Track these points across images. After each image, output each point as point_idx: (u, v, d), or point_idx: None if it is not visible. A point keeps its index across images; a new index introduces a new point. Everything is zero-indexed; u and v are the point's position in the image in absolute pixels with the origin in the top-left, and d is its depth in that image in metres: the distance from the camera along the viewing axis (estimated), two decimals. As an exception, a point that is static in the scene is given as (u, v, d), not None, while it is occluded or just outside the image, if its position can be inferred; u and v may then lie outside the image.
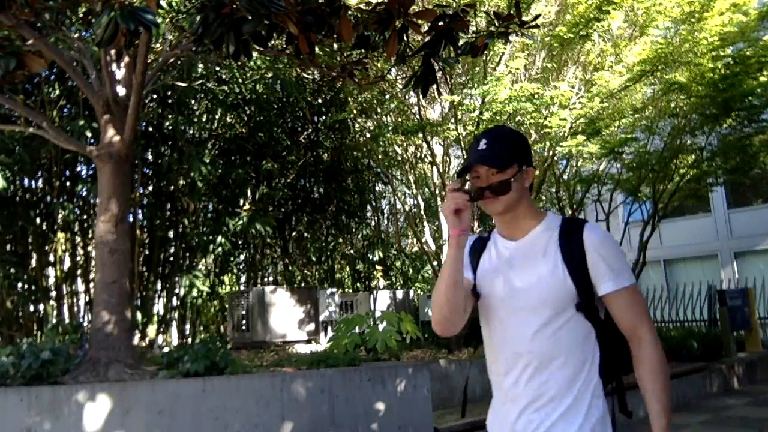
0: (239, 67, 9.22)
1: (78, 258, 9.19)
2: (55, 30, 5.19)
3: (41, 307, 8.92)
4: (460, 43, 4.41)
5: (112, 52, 5.29)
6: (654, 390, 1.62)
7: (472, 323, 1.72)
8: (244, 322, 8.75)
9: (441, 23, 4.20)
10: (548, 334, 1.55)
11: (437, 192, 9.90)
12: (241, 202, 10.05)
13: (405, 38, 4.30)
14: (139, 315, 8.88)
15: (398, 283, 12.77)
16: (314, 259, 12.61)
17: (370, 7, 4.30)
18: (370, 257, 11.97)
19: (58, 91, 8.47)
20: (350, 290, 12.06)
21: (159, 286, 9.69)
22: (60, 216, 8.45)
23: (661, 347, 1.58)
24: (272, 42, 5.21)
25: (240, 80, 9.71)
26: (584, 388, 1.56)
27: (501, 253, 1.68)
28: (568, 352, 1.55)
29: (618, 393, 1.71)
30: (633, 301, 1.57)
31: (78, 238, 9.12)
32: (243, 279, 12.18)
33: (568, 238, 1.59)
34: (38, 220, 8.84)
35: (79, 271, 9.15)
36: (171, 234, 9.77)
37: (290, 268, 12.04)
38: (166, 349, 7.54)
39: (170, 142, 9.12)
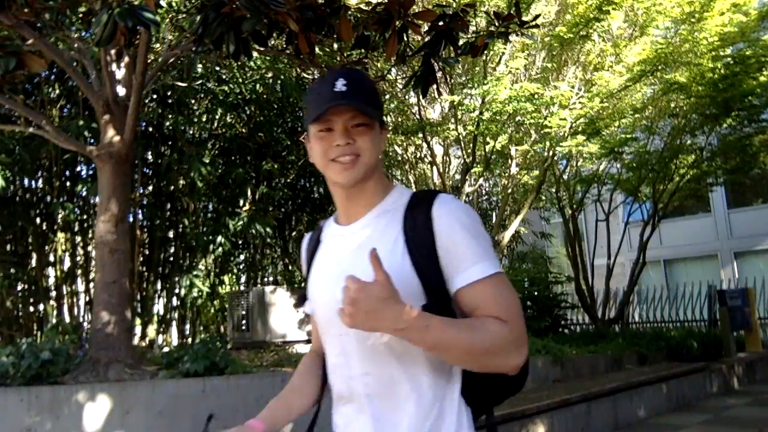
0: (239, 67, 9.21)
1: (78, 258, 9.19)
2: (55, 30, 5.19)
3: (41, 307, 8.92)
4: (460, 43, 4.41)
5: (112, 52, 5.29)
6: (472, 324, 1.11)
7: None
8: (244, 322, 8.74)
9: (441, 23, 4.20)
10: (388, 351, 1.15)
11: (437, 192, 9.90)
12: (241, 202, 10.05)
13: (405, 38, 4.30)
14: (139, 315, 8.89)
15: (398, 283, 12.72)
16: (314, 259, 12.58)
17: (370, 8, 4.30)
18: (370, 257, 11.95)
19: (58, 91, 8.47)
20: (350, 290, 12.02)
21: (159, 286, 9.69)
22: (60, 216, 8.44)
23: (525, 352, 1.15)
24: (272, 42, 5.22)
25: (240, 80, 9.71)
26: (439, 423, 1.15)
27: (332, 245, 1.30)
28: (417, 375, 1.16)
29: (489, 428, 1.24)
30: (500, 293, 1.15)
31: (78, 238, 9.12)
32: (243, 279, 12.17)
33: (414, 216, 1.18)
34: (38, 220, 8.83)
35: (79, 271, 9.15)
36: (171, 234, 9.76)
37: (290, 268, 12.04)
38: (166, 349, 7.54)
39: (170, 142, 9.12)
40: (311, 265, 1.35)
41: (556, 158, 9.82)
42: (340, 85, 1.18)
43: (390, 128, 9.41)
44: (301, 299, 1.35)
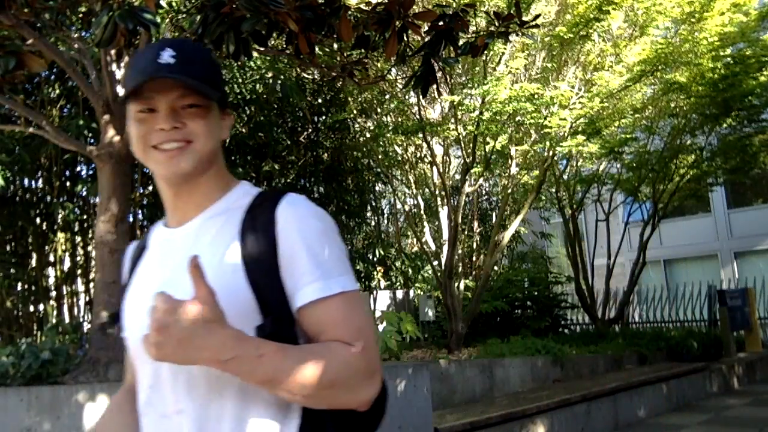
0: (239, 67, 9.22)
1: (78, 258, 9.19)
2: (55, 30, 5.19)
3: (41, 307, 8.92)
4: (460, 43, 4.41)
5: (112, 52, 5.29)
6: (315, 351, 0.92)
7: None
8: (244, 322, 8.75)
9: (441, 23, 4.20)
10: (208, 383, 0.94)
11: (437, 192, 9.91)
12: (242, 202, 10.05)
13: (405, 38, 4.30)
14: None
15: (398, 283, 12.78)
16: (314, 259, 12.60)
17: (370, 8, 4.30)
18: (370, 257, 11.97)
19: (58, 91, 8.47)
20: (350, 290, 12.06)
21: (159, 286, 9.70)
22: (60, 216, 8.45)
23: (378, 384, 0.96)
24: (272, 42, 5.22)
25: (240, 80, 9.71)
26: None
27: (156, 253, 1.08)
28: (245, 412, 0.93)
29: None
30: (350, 314, 0.95)
31: (78, 238, 9.12)
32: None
33: (254, 219, 0.98)
34: (38, 220, 8.84)
35: (79, 271, 9.15)
36: (171, 234, 9.77)
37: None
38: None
39: (170, 142, 9.13)
40: (131, 278, 1.11)
41: (556, 158, 9.82)
42: (166, 56, 0.97)
43: (390, 128, 9.43)
44: (113, 319, 1.01)
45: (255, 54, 6.05)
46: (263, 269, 0.95)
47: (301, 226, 0.97)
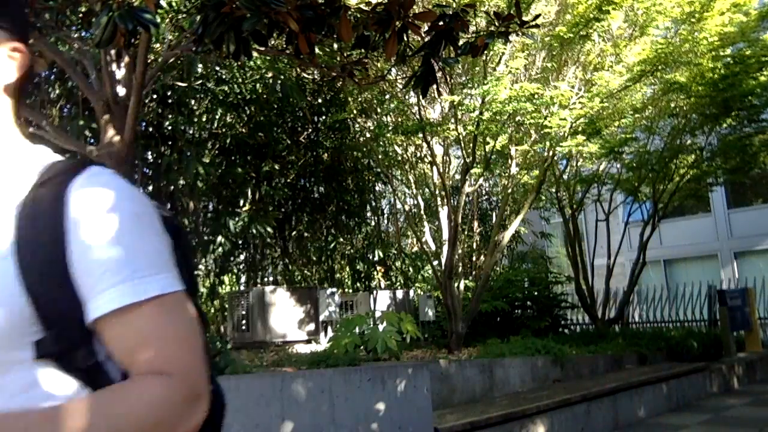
0: (239, 67, 9.23)
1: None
2: (55, 30, 5.20)
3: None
4: (460, 43, 4.41)
5: (112, 52, 5.29)
6: (111, 400, 0.68)
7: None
8: (244, 322, 8.75)
9: (441, 23, 4.20)
10: None
11: (437, 192, 9.92)
12: (241, 202, 10.07)
13: (405, 38, 4.30)
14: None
15: (398, 283, 12.79)
16: (314, 259, 12.62)
17: (370, 8, 4.30)
18: (370, 257, 11.97)
19: (58, 91, 8.48)
20: (350, 290, 12.07)
21: (159, 286, 9.69)
22: (60, 216, 8.46)
23: (203, 407, 0.72)
24: (272, 42, 5.22)
25: (240, 80, 9.72)
26: None
27: None
28: None
29: None
30: (158, 329, 0.71)
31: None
32: (243, 279, 12.18)
33: (37, 199, 0.72)
34: (38, 220, 8.85)
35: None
36: (171, 234, 9.77)
37: (290, 268, 12.05)
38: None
39: (170, 142, 9.13)
40: None
41: (556, 158, 9.82)
42: None
43: (390, 128, 9.43)
44: None
45: (255, 54, 6.06)
46: (45, 267, 0.69)
47: (104, 210, 0.71)
